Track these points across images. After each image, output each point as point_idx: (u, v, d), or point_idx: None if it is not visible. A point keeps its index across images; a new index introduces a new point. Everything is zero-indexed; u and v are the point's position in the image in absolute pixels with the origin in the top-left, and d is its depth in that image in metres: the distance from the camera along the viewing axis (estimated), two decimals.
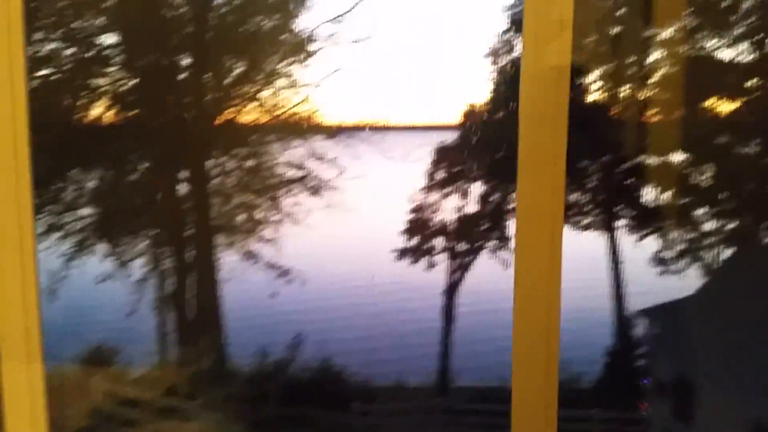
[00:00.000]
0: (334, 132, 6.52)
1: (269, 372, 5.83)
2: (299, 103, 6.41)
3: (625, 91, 6.69)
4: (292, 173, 6.56)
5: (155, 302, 6.62)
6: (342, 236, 6.98)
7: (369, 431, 5.91)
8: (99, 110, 6.43)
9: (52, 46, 6.14)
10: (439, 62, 6.60)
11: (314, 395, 5.61)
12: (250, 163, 6.56)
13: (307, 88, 6.39)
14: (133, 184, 6.53)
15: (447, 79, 6.83)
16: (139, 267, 6.52)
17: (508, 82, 7.38)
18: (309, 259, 6.76)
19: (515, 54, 7.14)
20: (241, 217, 6.65)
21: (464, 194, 7.52)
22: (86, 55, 6.25)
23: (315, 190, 6.53)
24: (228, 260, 6.53)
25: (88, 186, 6.54)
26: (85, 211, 6.53)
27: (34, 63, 6.04)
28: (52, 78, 6.23)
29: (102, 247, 6.45)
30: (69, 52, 6.16)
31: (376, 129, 6.62)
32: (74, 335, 6.05)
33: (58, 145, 6.16)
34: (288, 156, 6.58)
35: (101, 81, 6.40)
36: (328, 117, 6.56)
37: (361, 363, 6.74)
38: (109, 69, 6.41)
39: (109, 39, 6.33)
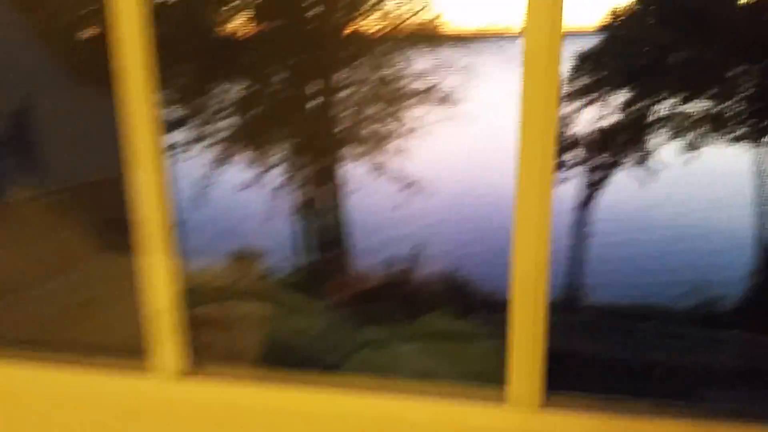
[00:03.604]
0: (460, 40, 6.29)
1: (393, 279, 5.99)
2: (424, 11, 6.24)
3: None
4: (418, 84, 6.46)
5: (290, 210, 6.97)
6: (469, 148, 6.86)
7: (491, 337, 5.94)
8: (236, 23, 6.64)
9: None
10: None
11: (438, 303, 5.70)
12: (377, 74, 6.53)
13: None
14: (268, 95, 6.75)
15: None
16: (275, 176, 6.85)
17: None
18: (436, 171, 6.74)
19: None
20: (369, 129, 6.71)
21: (602, 105, 7.10)
22: None
23: (442, 101, 6.42)
24: (356, 171, 6.67)
25: (228, 97, 6.86)
26: (226, 122, 6.89)
27: None
28: None
29: (242, 157, 6.81)
30: None
31: (502, 35, 6.30)
32: (218, 237, 6.55)
33: (200, 57, 6.46)
34: (415, 66, 6.47)
35: None
36: (453, 24, 6.34)
37: (487, 275, 6.74)
38: None
39: None
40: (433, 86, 6.45)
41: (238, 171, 6.75)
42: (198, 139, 6.77)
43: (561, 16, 1.00)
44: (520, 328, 1.23)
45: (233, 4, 6.43)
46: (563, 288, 7.33)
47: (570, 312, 7.16)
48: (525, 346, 1.22)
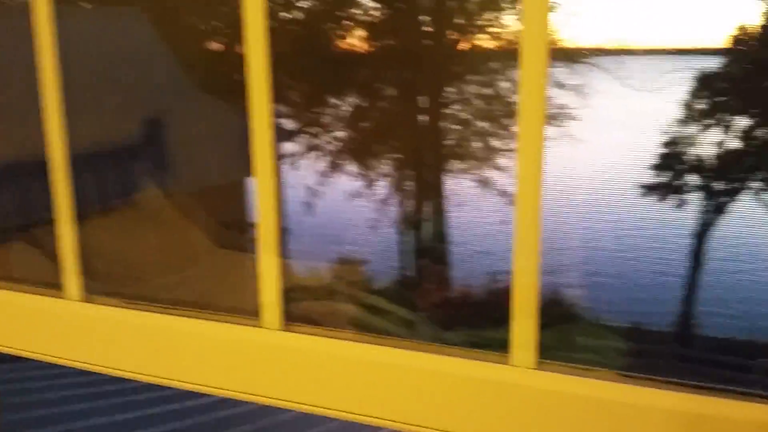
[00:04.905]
0: (572, 57, 6.22)
1: (492, 292, 6.00)
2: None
3: None
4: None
5: (395, 220, 7.13)
6: (578, 167, 6.74)
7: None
8: (353, 39, 6.91)
9: None
10: None
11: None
12: (487, 90, 6.58)
13: (548, 11, 6.16)
14: (379, 109, 6.97)
15: None
16: (382, 187, 7.04)
17: None
18: (544, 189, 6.67)
19: None
20: (476, 144, 6.76)
21: (725, 128, 6.77)
22: None
23: (552, 119, 6.36)
24: (462, 185, 6.73)
25: (341, 110, 7.14)
26: (339, 133, 7.17)
27: None
28: (313, 8, 6.83)
29: (351, 167, 7.07)
30: None
31: (614, 53, 6.17)
32: (324, 243, 6.81)
33: (317, 71, 6.79)
34: None
35: (356, 11, 6.83)
36: (566, 42, 6.27)
37: (595, 299, 6.59)
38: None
39: None
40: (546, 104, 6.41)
41: (347, 181, 7.00)
42: (311, 150, 7.09)
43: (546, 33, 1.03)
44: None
45: (346, 23, 6.71)
46: (677, 318, 7.03)
47: (683, 345, 6.87)
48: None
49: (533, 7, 0.92)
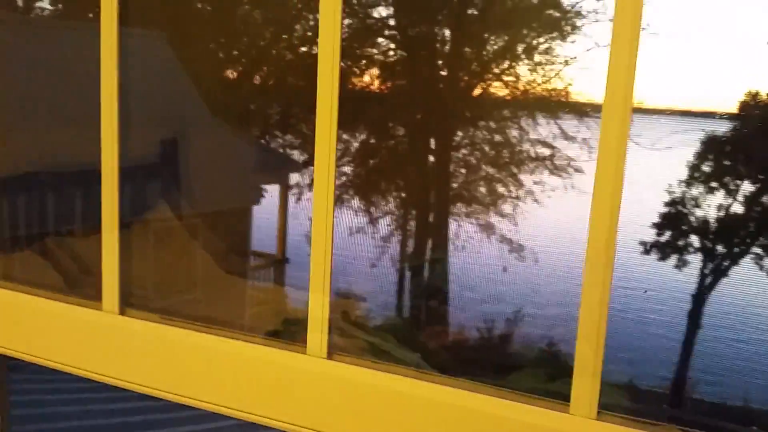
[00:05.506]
0: (583, 111, 6.31)
1: (487, 341, 5.99)
2: (552, 80, 6.33)
3: None
4: (537, 150, 6.52)
5: (396, 259, 7.15)
6: (582, 220, 6.75)
7: None
8: (367, 78, 7.03)
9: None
10: (711, 43, 5.96)
11: (526, 365, 5.63)
12: (497, 137, 6.66)
13: (562, 65, 6.27)
14: (388, 148, 7.05)
15: (719, 62, 6.14)
16: (385, 224, 7.08)
17: None
18: (545, 239, 6.69)
19: None
20: (482, 190, 6.81)
21: (729, 192, 6.81)
22: (361, 25, 6.86)
23: (558, 170, 6.42)
24: (465, 229, 6.77)
25: (350, 146, 7.22)
26: (346, 168, 7.23)
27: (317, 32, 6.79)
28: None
29: (354, 203, 7.11)
30: (347, 22, 6.80)
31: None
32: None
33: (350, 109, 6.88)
34: (535, 132, 6.54)
35: (372, 50, 6.96)
36: (579, 95, 6.38)
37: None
38: (380, 39, 6.96)
39: (383, 11, 6.87)
40: (551, 155, 6.49)
41: (351, 216, 7.04)
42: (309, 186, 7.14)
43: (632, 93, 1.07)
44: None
45: (363, 62, 6.83)
46: (670, 380, 6.98)
47: (674, 406, 6.79)
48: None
49: (619, 66, 0.96)
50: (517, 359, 5.84)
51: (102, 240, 2.17)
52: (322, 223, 1.62)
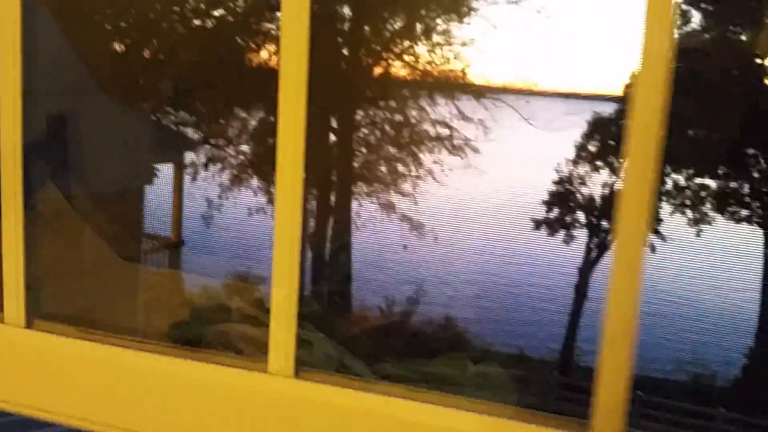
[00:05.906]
0: (480, 92, 6.47)
1: (389, 319, 6.06)
2: (450, 61, 6.45)
3: None
4: (435, 131, 6.62)
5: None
6: (478, 199, 6.96)
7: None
8: (264, 54, 6.85)
9: None
10: (603, 27, 6.25)
11: (431, 350, 5.75)
12: (396, 116, 6.71)
13: (460, 46, 6.40)
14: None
15: (608, 46, 6.47)
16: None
17: (681, 57, 6.85)
18: (443, 218, 6.84)
19: (691, 26, 6.60)
20: (382, 169, 6.85)
21: (614, 170, 7.21)
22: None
23: (456, 150, 6.56)
24: (366, 208, 6.79)
25: (248, 124, 7.04)
26: (243, 147, 7.06)
27: (213, 4, 6.54)
28: (227, 20, 6.73)
29: (254, 182, 6.96)
30: None
31: (521, 93, 6.48)
32: (223, 259, 6.65)
33: (226, 84, 6.67)
34: (433, 113, 6.64)
35: (270, 25, 6.78)
36: (476, 77, 6.54)
37: (484, 327, 6.78)
38: (278, 13, 6.80)
39: None
40: (450, 135, 6.61)
41: (250, 196, 6.89)
42: (215, 161, 6.93)
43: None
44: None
45: (261, 36, 6.65)
46: (557, 351, 7.34)
47: (563, 374, 7.16)
48: None
49: (654, 47, 0.94)
50: (420, 344, 5.97)
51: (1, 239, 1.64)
52: (287, 235, 1.41)
